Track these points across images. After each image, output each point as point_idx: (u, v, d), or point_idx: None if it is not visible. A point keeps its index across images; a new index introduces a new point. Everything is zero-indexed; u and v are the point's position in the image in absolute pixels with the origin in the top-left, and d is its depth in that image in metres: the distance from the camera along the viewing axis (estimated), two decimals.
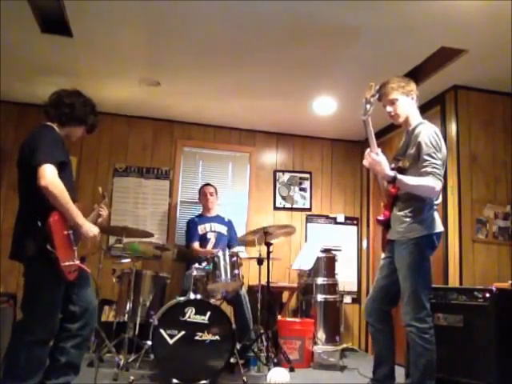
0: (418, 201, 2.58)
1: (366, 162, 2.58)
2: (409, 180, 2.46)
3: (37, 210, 2.20)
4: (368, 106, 2.52)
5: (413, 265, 2.54)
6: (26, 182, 2.31)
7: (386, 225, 2.75)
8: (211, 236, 4.57)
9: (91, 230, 2.36)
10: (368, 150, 2.57)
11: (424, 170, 2.47)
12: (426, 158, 2.48)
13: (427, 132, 2.55)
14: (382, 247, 2.86)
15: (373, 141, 2.55)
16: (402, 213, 2.62)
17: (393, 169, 2.59)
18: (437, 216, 2.63)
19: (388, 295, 2.72)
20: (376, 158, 2.51)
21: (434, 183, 2.43)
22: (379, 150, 2.54)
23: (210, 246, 4.47)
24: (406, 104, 2.69)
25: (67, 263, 2.22)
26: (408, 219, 2.58)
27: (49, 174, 2.16)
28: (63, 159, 2.29)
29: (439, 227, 2.60)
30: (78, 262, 2.31)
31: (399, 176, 2.45)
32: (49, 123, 2.45)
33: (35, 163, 2.18)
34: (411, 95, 2.70)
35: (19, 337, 2.24)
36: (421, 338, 2.49)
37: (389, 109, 2.71)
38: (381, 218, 2.77)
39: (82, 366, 2.48)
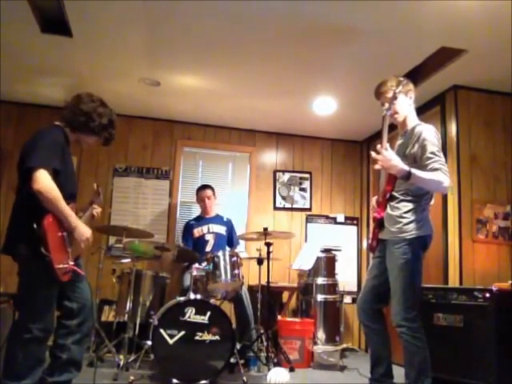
0: (411, 202, 2.58)
1: (376, 156, 2.49)
2: (422, 174, 2.43)
3: (32, 212, 2.20)
4: (394, 101, 2.49)
5: (405, 265, 2.53)
6: (23, 181, 2.30)
7: (379, 224, 2.72)
8: (209, 237, 4.55)
9: (84, 232, 2.36)
10: (378, 146, 2.51)
11: (431, 166, 2.45)
12: (431, 155, 2.47)
13: (429, 132, 2.55)
14: (372, 248, 2.81)
15: (385, 137, 2.51)
16: (396, 213, 2.61)
17: None
18: (429, 218, 2.63)
19: (379, 295, 2.72)
20: (387, 154, 2.46)
21: (443, 178, 2.42)
22: (388, 146, 2.49)
23: (208, 248, 4.45)
24: (405, 103, 2.68)
25: (61, 266, 2.22)
26: (403, 220, 2.57)
27: (42, 179, 2.16)
28: (57, 166, 2.25)
29: (431, 229, 2.62)
30: (71, 264, 2.30)
31: (413, 170, 2.42)
32: (59, 123, 2.44)
33: (30, 166, 2.18)
34: (410, 95, 2.70)
35: (16, 335, 2.25)
36: (413, 337, 2.48)
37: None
38: (377, 215, 2.73)
39: (82, 366, 2.47)
